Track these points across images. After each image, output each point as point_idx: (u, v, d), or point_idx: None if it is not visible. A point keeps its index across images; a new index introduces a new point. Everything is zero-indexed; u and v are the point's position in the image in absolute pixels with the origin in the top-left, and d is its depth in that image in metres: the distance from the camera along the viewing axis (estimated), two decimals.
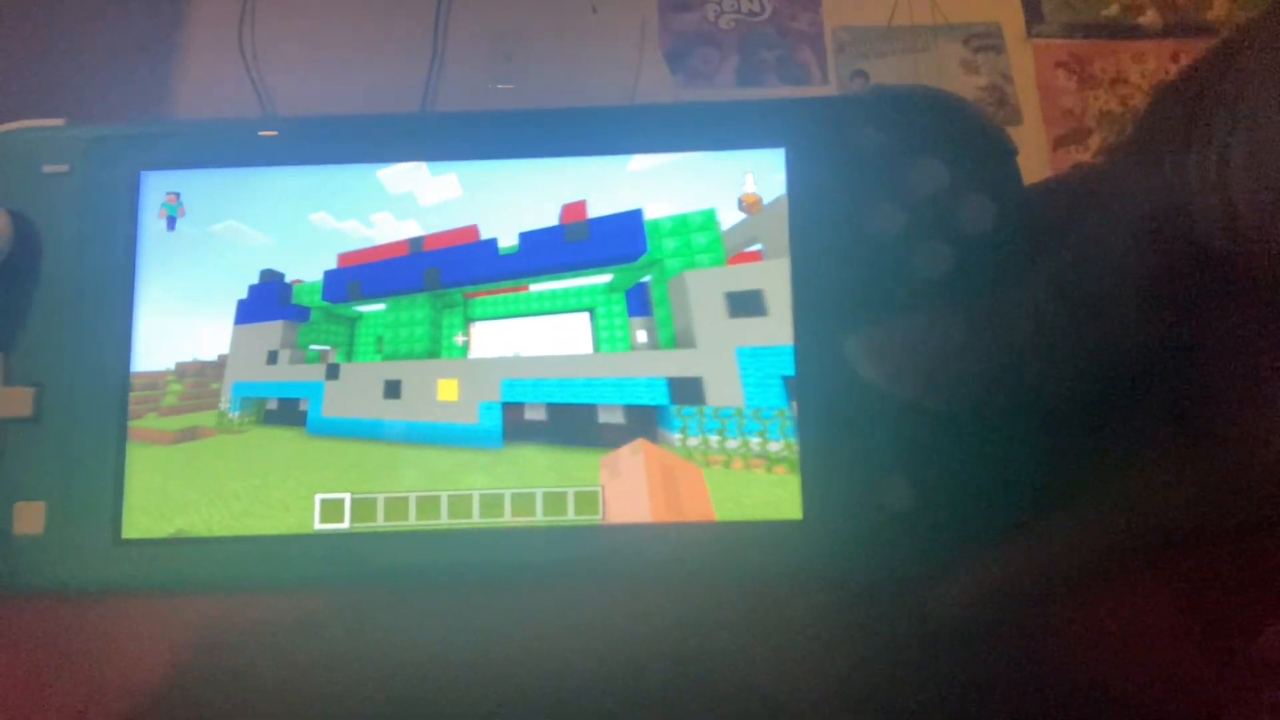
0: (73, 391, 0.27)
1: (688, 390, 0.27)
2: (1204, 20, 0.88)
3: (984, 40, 0.88)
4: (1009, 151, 0.26)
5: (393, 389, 0.27)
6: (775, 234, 0.27)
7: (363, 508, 0.26)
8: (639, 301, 0.27)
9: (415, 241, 0.28)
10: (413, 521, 0.26)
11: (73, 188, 0.27)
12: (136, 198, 0.27)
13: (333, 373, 0.28)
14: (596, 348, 0.27)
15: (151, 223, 0.27)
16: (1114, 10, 0.89)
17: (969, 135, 0.26)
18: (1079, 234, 0.23)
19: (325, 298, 0.28)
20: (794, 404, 0.26)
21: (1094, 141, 0.84)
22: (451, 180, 0.27)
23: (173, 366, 0.27)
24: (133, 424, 0.26)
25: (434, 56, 0.87)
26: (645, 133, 0.27)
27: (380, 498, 0.26)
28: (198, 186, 0.28)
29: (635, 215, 0.27)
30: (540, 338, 0.27)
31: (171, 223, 0.27)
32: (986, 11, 0.89)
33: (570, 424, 0.27)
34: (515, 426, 0.27)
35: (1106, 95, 0.86)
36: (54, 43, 0.80)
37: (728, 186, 0.27)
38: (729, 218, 0.27)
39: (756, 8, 0.91)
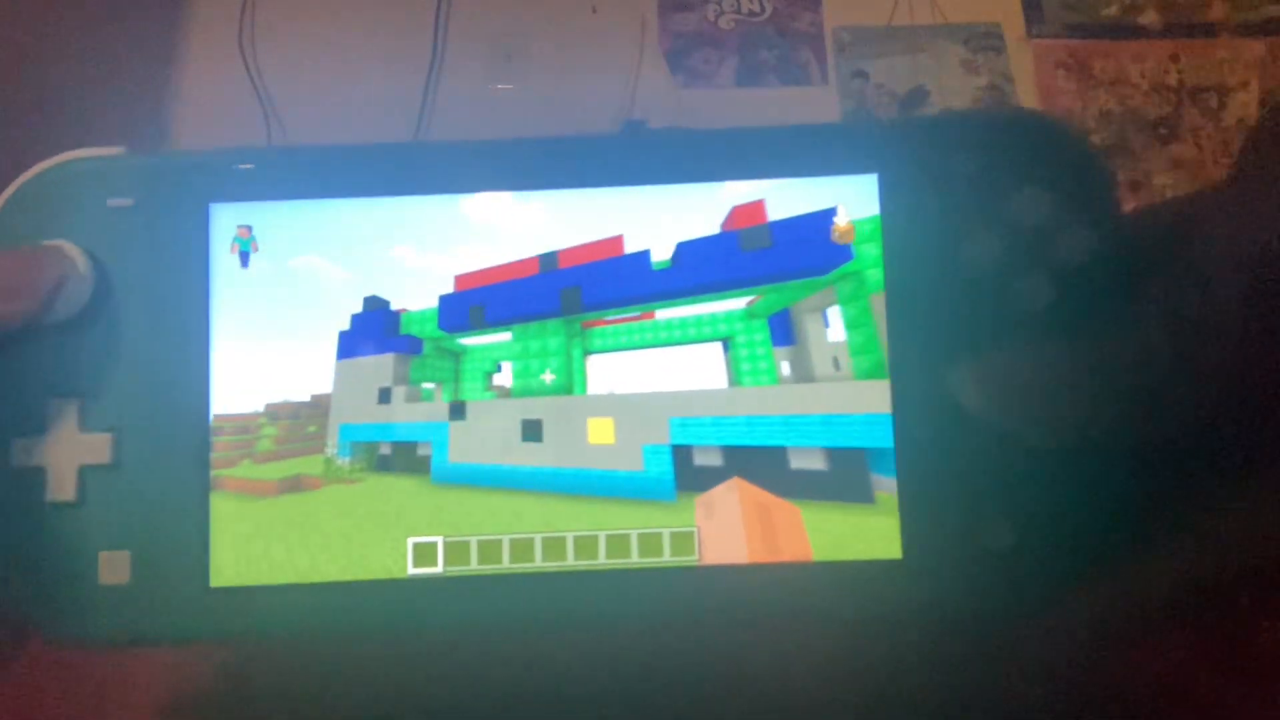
0: (152, 436, 0.26)
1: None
2: (1204, 20, 0.89)
3: (984, 40, 0.88)
4: (1109, 176, 0.25)
5: (532, 430, 0.26)
6: None
7: (456, 551, 0.26)
8: (783, 329, 0.25)
9: (547, 258, 0.26)
10: (506, 564, 0.26)
11: (139, 222, 0.26)
12: (206, 232, 0.26)
13: (458, 412, 0.27)
14: (735, 382, 0.25)
15: (224, 257, 0.27)
16: (1114, 10, 0.89)
17: (1068, 159, 0.26)
18: (1189, 262, 0.23)
19: (442, 326, 0.27)
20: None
21: (1094, 141, 0.84)
22: (538, 208, 0.26)
23: (262, 409, 0.26)
24: (227, 473, 0.26)
25: (434, 56, 0.87)
26: (736, 158, 0.26)
27: (473, 540, 0.26)
28: (271, 219, 0.27)
29: (829, 215, 0.25)
30: (667, 372, 0.25)
31: (245, 258, 0.27)
32: (986, 11, 0.90)
33: (754, 470, 0.25)
34: (685, 474, 0.25)
35: (1106, 95, 0.86)
36: (53, 44, 0.78)
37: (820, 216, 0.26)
38: None
39: (756, 8, 0.91)
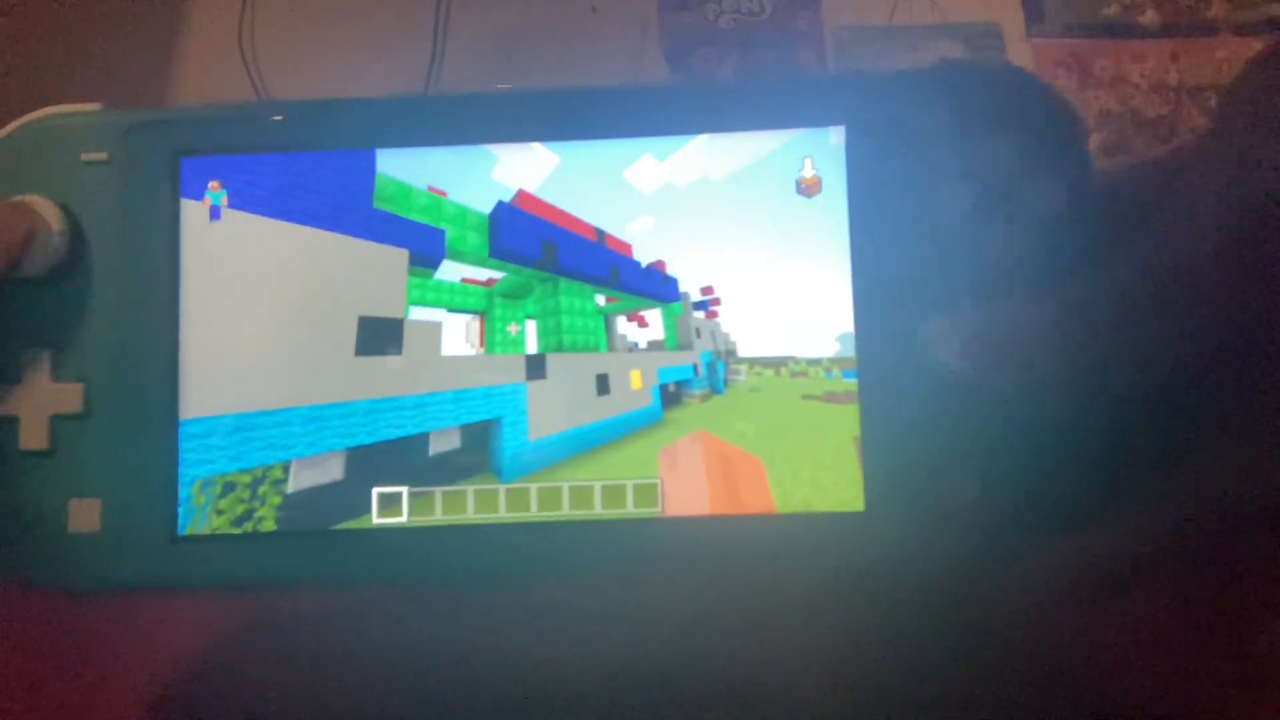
0: (122, 386, 0.26)
1: (695, 370, 0.27)
2: (1204, 20, 0.88)
3: (984, 40, 0.88)
4: (1080, 128, 0.25)
5: (603, 384, 0.27)
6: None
7: (421, 502, 0.26)
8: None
9: (600, 233, 0.27)
10: (471, 515, 0.26)
11: (112, 176, 0.27)
12: (177, 185, 0.27)
13: (536, 368, 0.27)
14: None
15: (195, 211, 0.27)
16: (1114, 10, 0.89)
17: (1038, 111, 0.26)
18: (1165, 215, 0.22)
19: (503, 246, 0.27)
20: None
21: (1094, 141, 0.84)
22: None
23: None
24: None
25: (434, 56, 0.87)
26: (703, 111, 0.26)
27: (438, 491, 0.26)
28: (243, 173, 0.27)
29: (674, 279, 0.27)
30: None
31: (215, 211, 0.27)
32: (986, 11, 0.89)
33: (664, 396, 0.27)
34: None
35: (1106, 95, 0.86)
36: (50, 42, 0.79)
37: (787, 169, 0.27)
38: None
39: (756, 7, 0.91)
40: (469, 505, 0.26)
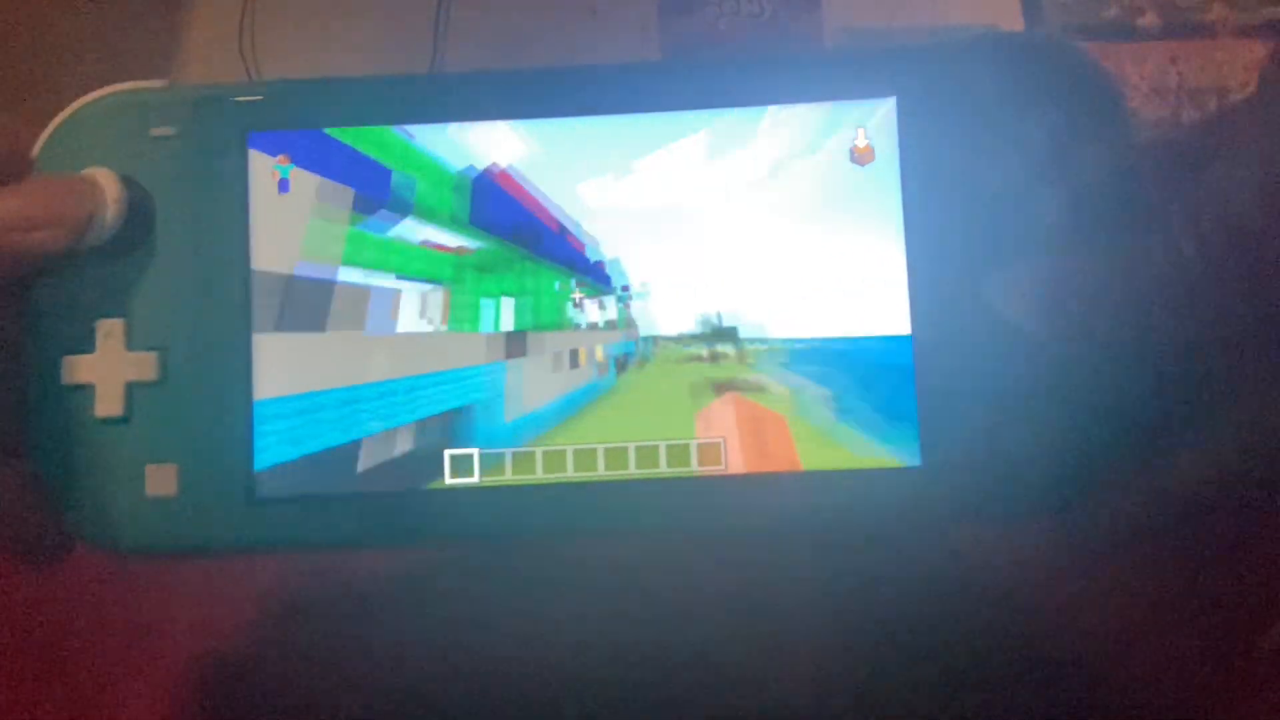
0: (196, 354, 0.27)
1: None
2: (1203, 21, 0.89)
3: None
4: (1119, 94, 0.26)
5: (574, 358, 0.28)
6: None
7: (491, 461, 0.27)
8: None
9: (561, 226, 0.28)
10: (540, 475, 0.26)
11: (181, 150, 0.28)
12: (245, 158, 0.27)
13: (517, 346, 0.28)
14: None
15: (263, 184, 0.27)
16: (1114, 11, 0.89)
17: (1080, 79, 0.27)
18: (1213, 173, 0.23)
19: (477, 221, 0.27)
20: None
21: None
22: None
23: None
24: None
25: (434, 57, 0.87)
26: (761, 85, 0.27)
27: (508, 452, 0.26)
28: (310, 147, 0.27)
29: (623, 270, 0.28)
30: None
31: (284, 184, 0.27)
32: (986, 13, 0.90)
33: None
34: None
35: None
36: (50, 43, 0.79)
37: (840, 139, 0.27)
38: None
39: (756, 9, 0.91)
40: (538, 466, 0.27)
